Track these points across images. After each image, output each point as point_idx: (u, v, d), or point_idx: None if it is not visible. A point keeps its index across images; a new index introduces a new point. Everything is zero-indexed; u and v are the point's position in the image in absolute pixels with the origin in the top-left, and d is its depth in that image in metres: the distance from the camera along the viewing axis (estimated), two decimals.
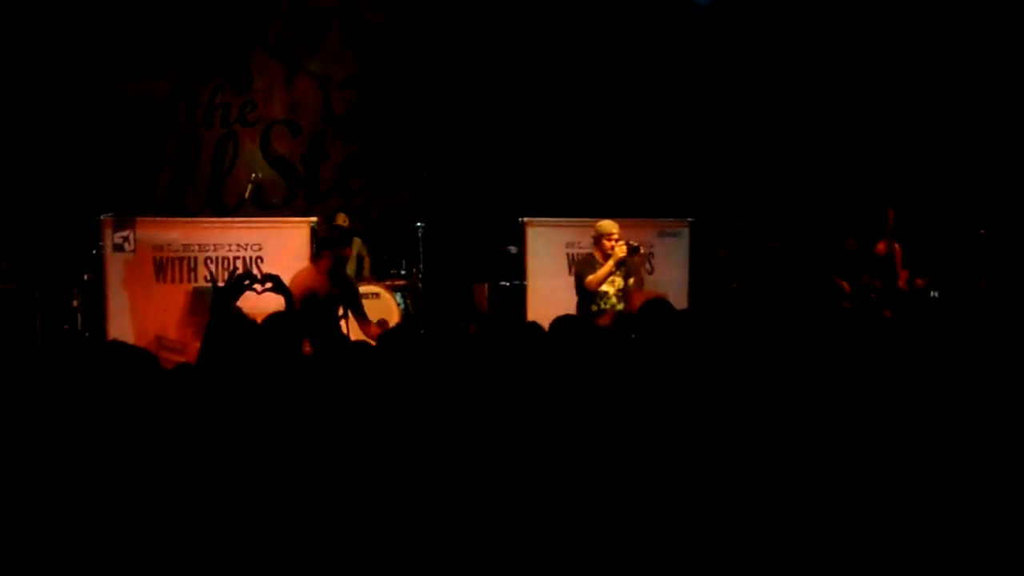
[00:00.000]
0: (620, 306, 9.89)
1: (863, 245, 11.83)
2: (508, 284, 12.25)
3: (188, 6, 12.72)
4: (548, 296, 11.39)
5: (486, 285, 12.53)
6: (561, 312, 5.89)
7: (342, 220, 12.38)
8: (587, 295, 9.91)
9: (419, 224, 12.35)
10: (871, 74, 13.68)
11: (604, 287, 9.87)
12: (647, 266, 11.18)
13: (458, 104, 13.78)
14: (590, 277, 9.88)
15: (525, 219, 11.87)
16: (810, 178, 13.83)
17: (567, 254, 11.98)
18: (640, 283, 10.15)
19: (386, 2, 13.61)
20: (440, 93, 13.74)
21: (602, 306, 9.84)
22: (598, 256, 9.98)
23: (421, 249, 12.32)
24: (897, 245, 11.89)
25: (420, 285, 12.22)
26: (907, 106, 13.56)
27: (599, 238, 10.02)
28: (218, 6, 12.92)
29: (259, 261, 10.89)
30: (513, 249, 12.25)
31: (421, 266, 12.28)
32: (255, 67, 13.28)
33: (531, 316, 11.14)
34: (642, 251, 10.13)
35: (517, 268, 12.03)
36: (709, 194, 13.70)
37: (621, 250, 9.83)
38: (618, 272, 9.96)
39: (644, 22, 14.03)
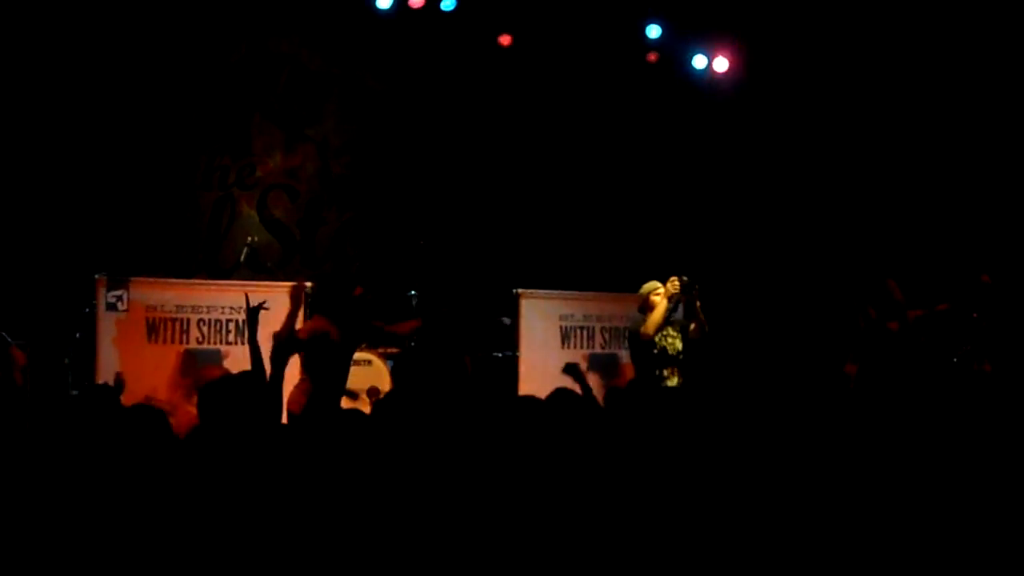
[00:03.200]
0: (673, 380, 9.65)
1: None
2: (501, 355, 12.23)
3: (190, 70, 12.77)
4: (541, 368, 11.40)
5: (478, 355, 12.48)
6: (554, 384, 5.86)
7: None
8: (645, 357, 9.63)
9: (413, 292, 12.34)
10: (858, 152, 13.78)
11: (663, 342, 9.60)
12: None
13: (455, 173, 13.82)
14: (645, 326, 9.61)
15: (519, 290, 11.88)
16: (809, 254, 13.84)
17: (560, 326, 12.01)
18: (701, 328, 9.77)
19: (386, 70, 13.66)
20: (437, 162, 13.78)
21: (666, 376, 9.61)
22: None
23: (415, 317, 12.29)
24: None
25: (413, 353, 12.18)
26: (897, 187, 13.62)
27: (647, 298, 9.83)
28: (220, 70, 12.98)
29: None
30: (507, 320, 12.24)
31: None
32: (255, 131, 13.31)
33: (523, 388, 11.14)
34: (697, 288, 9.71)
35: (510, 339, 12.02)
36: (706, 268, 13.71)
37: (674, 286, 9.60)
38: (675, 333, 9.72)
39: (641, 95, 14.11)
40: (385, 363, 11.66)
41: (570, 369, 7.67)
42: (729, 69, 13.86)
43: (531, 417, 5.07)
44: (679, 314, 9.89)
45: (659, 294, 9.83)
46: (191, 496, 4.12)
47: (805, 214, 13.97)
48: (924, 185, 13.50)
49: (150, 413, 4.71)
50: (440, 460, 4.60)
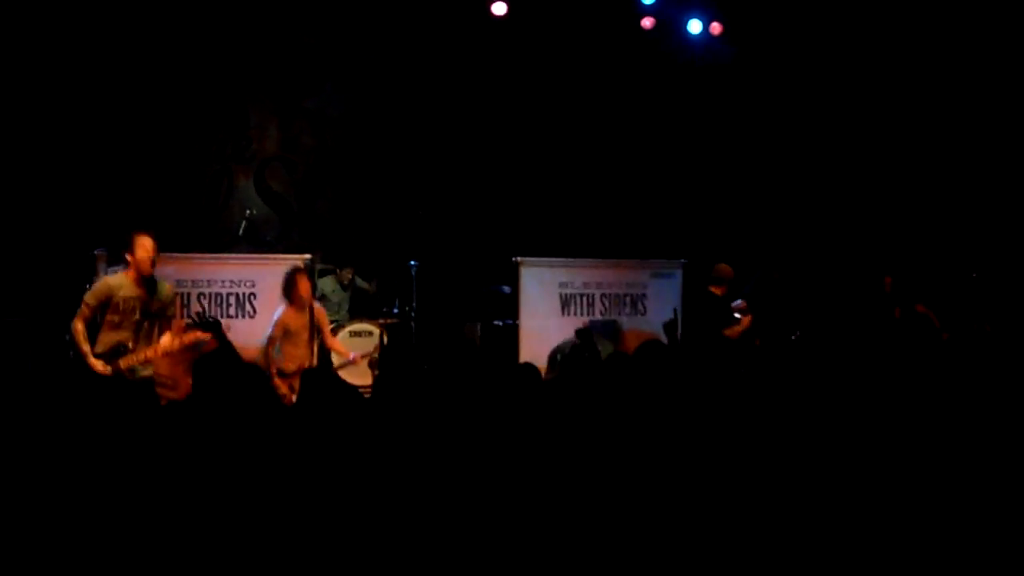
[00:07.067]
0: None
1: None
2: (501, 324, 12.24)
3: (184, 46, 12.71)
4: (541, 336, 11.41)
5: (479, 324, 12.51)
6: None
7: (348, 273, 12.40)
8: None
9: (413, 263, 12.34)
10: (859, 118, 13.75)
11: None
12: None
13: (454, 143, 13.80)
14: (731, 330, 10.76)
15: (519, 259, 11.87)
16: (802, 218, 13.87)
17: (560, 294, 11.99)
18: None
19: (382, 42, 13.61)
20: (435, 132, 13.76)
21: None
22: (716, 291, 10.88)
23: (414, 287, 12.31)
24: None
25: (413, 323, 12.21)
26: (896, 160, 13.62)
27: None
28: (215, 45, 12.92)
29: (252, 298, 10.91)
30: (506, 289, 12.25)
31: (414, 304, 12.27)
32: (251, 104, 13.29)
33: (524, 356, 11.14)
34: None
35: (510, 308, 12.02)
36: (702, 235, 13.72)
37: (747, 321, 10.79)
38: None
39: (636, 67, 14.08)
40: (386, 333, 11.69)
41: (581, 333, 7.82)
42: (724, 33, 13.80)
43: (533, 385, 5.09)
44: None
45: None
46: (185, 471, 4.13)
47: (799, 182, 13.99)
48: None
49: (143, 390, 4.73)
50: (442, 437, 4.61)
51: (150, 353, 8.17)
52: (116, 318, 8.26)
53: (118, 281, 8.39)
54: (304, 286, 9.81)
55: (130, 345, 8.22)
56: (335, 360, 10.74)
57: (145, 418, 4.42)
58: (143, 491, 3.98)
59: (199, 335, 8.22)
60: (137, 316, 8.31)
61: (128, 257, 8.36)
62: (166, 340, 8.39)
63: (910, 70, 13.37)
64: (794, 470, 4.57)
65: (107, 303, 8.25)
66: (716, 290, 11.00)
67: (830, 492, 4.41)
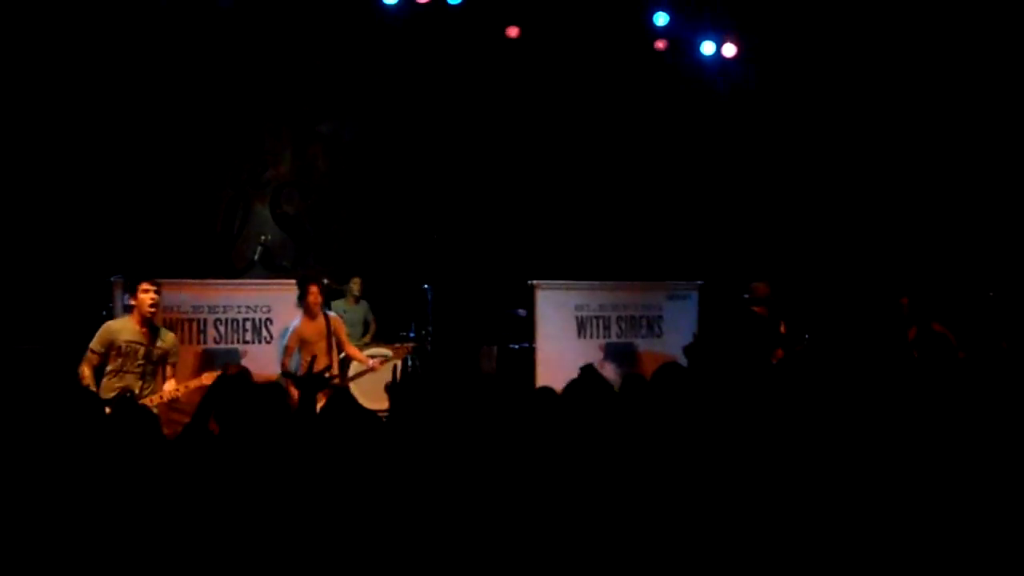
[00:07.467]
0: None
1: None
2: (517, 347, 12.24)
3: (200, 73, 12.76)
4: (557, 359, 11.39)
5: (495, 348, 12.50)
6: (571, 375, 5.85)
7: (356, 284, 12.46)
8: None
9: (427, 287, 12.36)
10: (874, 137, 13.73)
11: None
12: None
13: (468, 166, 13.82)
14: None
15: (534, 282, 11.87)
16: (819, 238, 13.85)
17: (576, 317, 11.98)
18: None
19: (395, 64, 13.66)
20: (449, 155, 13.79)
21: None
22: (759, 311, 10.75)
23: (430, 311, 12.33)
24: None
25: (429, 347, 12.21)
26: (908, 175, 13.58)
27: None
28: (230, 72, 12.97)
29: (268, 323, 10.92)
30: (522, 312, 12.25)
31: (430, 328, 12.28)
32: (266, 130, 13.34)
33: (540, 379, 11.13)
34: None
35: (527, 331, 12.02)
36: (718, 256, 13.70)
37: (780, 353, 10.64)
38: None
39: (654, 89, 14.09)
40: (404, 360, 11.70)
41: (586, 371, 7.71)
42: (738, 54, 13.81)
43: (550, 409, 5.08)
44: None
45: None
46: (199, 494, 4.14)
47: (815, 203, 13.97)
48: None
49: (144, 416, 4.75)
50: (457, 459, 4.61)
51: (156, 400, 8.22)
52: (119, 362, 8.32)
53: (120, 325, 8.50)
54: (313, 293, 9.90)
55: (136, 391, 8.25)
56: (355, 368, 10.79)
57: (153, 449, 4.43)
58: (156, 516, 4.00)
59: (203, 381, 8.29)
60: (140, 361, 8.36)
61: (131, 301, 8.47)
62: (170, 387, 8.46)
63: (925, 90, 13.35)
64: (810, 487, 4.56)
65: (110, 346, 8.33)
66: (759, 310, 10.93)
67: (847, 510, 4.40)
